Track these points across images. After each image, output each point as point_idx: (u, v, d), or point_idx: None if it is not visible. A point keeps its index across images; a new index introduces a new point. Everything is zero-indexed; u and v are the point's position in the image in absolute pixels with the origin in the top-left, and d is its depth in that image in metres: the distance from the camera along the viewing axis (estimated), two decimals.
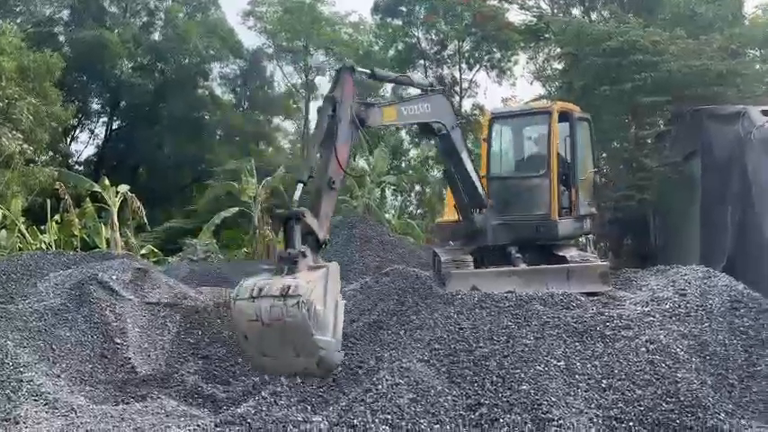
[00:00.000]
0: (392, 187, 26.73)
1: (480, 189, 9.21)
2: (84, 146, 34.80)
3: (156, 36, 33.20)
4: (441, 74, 31.86)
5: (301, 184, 5.64)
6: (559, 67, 22.66)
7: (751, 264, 11.46)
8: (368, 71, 7.07)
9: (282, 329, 4.84)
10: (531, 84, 34.99)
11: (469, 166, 8.84)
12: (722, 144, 13.20)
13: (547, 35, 22.61)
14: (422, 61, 31.63)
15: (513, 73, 31.38)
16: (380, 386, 5.68)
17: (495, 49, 30.31)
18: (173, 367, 7.84)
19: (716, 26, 17.52)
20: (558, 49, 21.63)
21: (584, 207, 10.21)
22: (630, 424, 5.17)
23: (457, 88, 31.51)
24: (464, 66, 31.55)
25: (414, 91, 8.57)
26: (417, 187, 29.79)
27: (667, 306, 7.20)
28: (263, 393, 6.33)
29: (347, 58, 33.37)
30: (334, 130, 5.96)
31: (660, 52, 15.45)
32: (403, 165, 31.46)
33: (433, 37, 31.35)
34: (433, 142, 9.20)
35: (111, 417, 6.23)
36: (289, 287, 4.86)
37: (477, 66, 31.39)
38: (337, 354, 5.17)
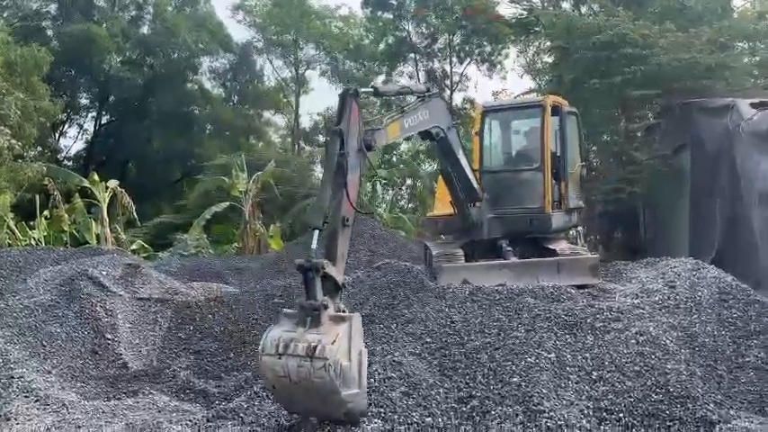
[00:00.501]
0: (383, 181, 26.70)
1: (475, 183, 9.24)
2: (72, 141, 34.46)
3: (145, 30, 32.91)
4: (431, 67, 31.87)
5: (317, 231, 5.54)
6: (549, 60, 22.68)
7: (740, 256, 11.57)
8: (371, 89, 6.90)
9: (310, 386, 4.96)
10: (522, 77, 35.03)
11: (465, 163, 8.86)
12: (711, 137, 13.30)
13: (537, 28, 22.61)
14: (412, 55, 31.58)
15: (504, 66, 31.45)
16: (372, 380, 5.69)
17: (485, 43, 30.31)
18: (164, 363, 7.84)
19: (705, 19, 17.58)
20: (549, 43, 21.65)
21: (573, 200, 10.26)
22: (621, 415, 5.22)
23: (447, 82, 31.51)
24: (455, 59, 31.54)
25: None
26: (408, 181, 29.78)
27: (657, 298, 7.25)
28: (254, 388, 6.35)
29: (338, 52, 33.35)
30: (344, 165, 5.76)
31: (650, 45, 15.50)
32: (394, 159, 31.43)
33: (424, 30, 31.29)
34: (426, 141, 9.05)
35: (103, 412, 6.23)
36: (315, 348, 4.93)
37: (468, 59, 31.38)
38: (363, 401, 5.26)
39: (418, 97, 7.61)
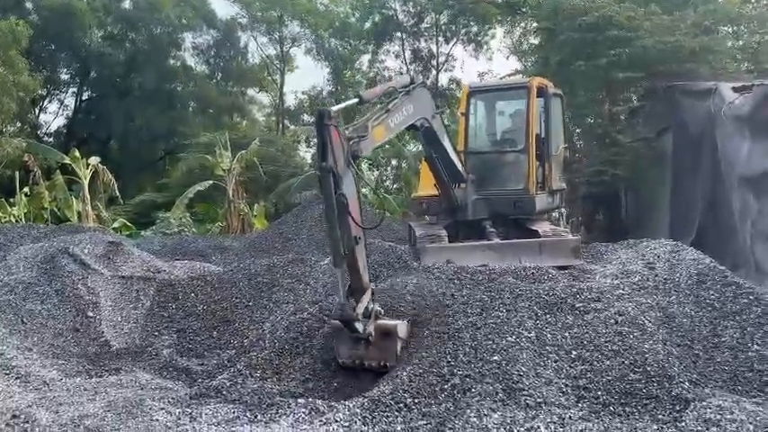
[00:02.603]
0: (368, 162, 26.63)
1: (460, 166, 9.25)
2: (53, 117, 33.99)
3: (127, 4, 32.35)
4: (417, 47, 31.69)
5: (340, 269, 6.03)
6: (536, 41, 22.65)
7: (719, 238, 11.74)
8: (355, 99, 6.73)
9: None
10: (508, 59, 34.95)
11: (449, 147, 8.85)
12: (694, 120, 13.41)
13: (524, 9, 22.56)
14: (399, 34, 31.36)
15: (490, 47, 31.35)
16: None
17: (472, 23, 30.15)
18: (147, 341, 7.81)
19: (690, 2, 17.64)
20: (535, 24, 21.60)
21: (556, 182, 10.32)
22: (598, 393, 5.30)
23: (434, 62, 31.38)
24: (441, 39, 31.39)
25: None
26: (393, 162, 29.73)
27: (636, 279, 7.34)
28: (237, 366, 6.37)
29: (323, 30, 32.91)
30: (344, 200, 5.83)
31: (635, 28, 15.53)
32: None
33: (411, 9, 31.05)
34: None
35: (85, 390, 6.22)
36: (385, 365, 6.12)
37: (455, 39, 31.24)
38: None
39: (400, 91, 7.49)
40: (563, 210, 11.74)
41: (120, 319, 8.11)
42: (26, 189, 18.97)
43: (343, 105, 6.63)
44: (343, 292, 6.04)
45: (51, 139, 31.01)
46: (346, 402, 5.42)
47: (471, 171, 9.66)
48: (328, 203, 5.86)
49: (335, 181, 5.79)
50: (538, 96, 10.03)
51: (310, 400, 5.54)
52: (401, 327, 6.24)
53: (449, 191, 9.36)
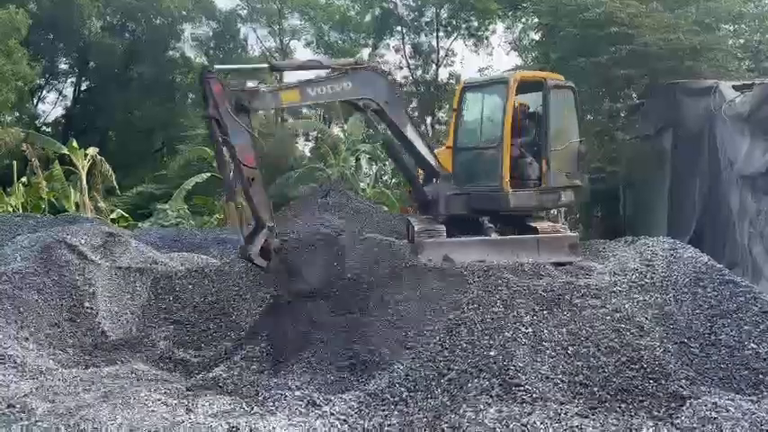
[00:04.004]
0: (367, 156, 26.57)
1: (431, 159, 9.19)
2: (51, 107, 33.88)
3: None
4: (417, 41, 31.62)
5: (232, 203, 6.94)
6: (536, 37, 22.61)
7: (717, 236, 11.77)
8: (265, 65, 7.34)
9: None
10: (508, 54, 34.88)
11: (417, 140, 8.83)
12: (694, 118, 13.42)
13: (524, 5, 22.50)
14: (399, 28, 31.29)
15: (491, 42, 31.29)
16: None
17: (472, 18, 30.08)
18: (144, 332, 7.81)
19: (691, 0, 17.61)
20: (536, 19, 21.55)
21: (558, 178, 10.08)
22: (595, 389, 5.32)
23: (434, 56, 31.32)
24: (441, 33, 31.30)
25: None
26: None
27: (634, 277, 7.33)
28: (234, 358, 6.38)
29: (323, 23, 32.83)
30: (229, 143, 6.58)
31: (636, 25, 15.49)
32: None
33: (411, 3, 30.96)
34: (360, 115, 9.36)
35: (81, 380, 6.22)
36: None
37: (455, 34, 31.17)
38: None
39: (334, 69, 7.76)
40: (562, 207, 11.59)
41: (117, 311, 8.11)
42: (24, 179, 18.93)
43: (239, 67, 7.72)
44: (241, 233, 6.94)
45: (50, 129, 30.91)
46: (342, 395, 5.43)
47: (457, 167, 9.60)
48: (216, 148, 6.76)
49: (220, 128, 6.56)
50: (534, 90, 9.92)
51: (306, 392, 5.54)
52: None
53: (416, 183, 9.38)
